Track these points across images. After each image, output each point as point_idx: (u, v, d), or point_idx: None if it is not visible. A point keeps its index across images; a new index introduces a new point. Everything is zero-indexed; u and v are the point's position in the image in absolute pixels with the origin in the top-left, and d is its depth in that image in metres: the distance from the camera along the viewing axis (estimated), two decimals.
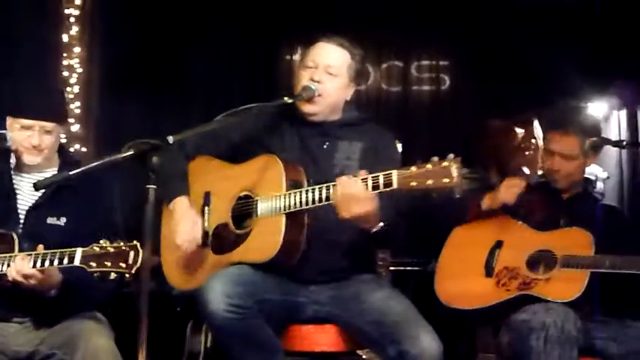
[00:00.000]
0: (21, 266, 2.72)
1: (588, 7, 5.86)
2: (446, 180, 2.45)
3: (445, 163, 2.46)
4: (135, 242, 2.55)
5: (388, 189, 2.56)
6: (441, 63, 6.40)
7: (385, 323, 2.76)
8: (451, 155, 2.48)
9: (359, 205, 2.61)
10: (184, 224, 2.91)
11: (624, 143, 3.39)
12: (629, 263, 2.99)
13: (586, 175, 3.64)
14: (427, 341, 2.68)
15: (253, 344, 2.73)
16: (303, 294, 2.94)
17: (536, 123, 5.35)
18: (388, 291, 2.92)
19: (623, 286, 3.09)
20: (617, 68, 5.46)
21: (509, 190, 3.25)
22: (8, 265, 2.79)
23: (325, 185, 2.70)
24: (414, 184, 2.50)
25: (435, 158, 2.48)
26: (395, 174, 2.54)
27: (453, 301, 3.18)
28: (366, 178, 2.59)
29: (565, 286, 3.02)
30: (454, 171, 2.44)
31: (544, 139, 3.39)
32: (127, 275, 2.58)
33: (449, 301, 3.18)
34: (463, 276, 3.25)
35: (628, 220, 3.67)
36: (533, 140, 5.41)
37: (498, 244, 3.26)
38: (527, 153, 5.37)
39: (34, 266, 2.74)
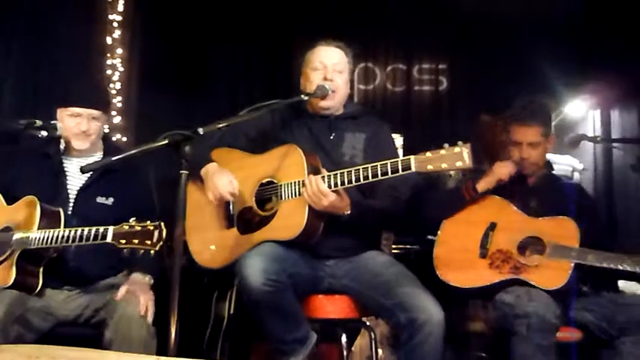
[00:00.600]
0: None
1: (573, 18, 5.82)
2: (459, 163, 2.47)
3: (457, 149, 2.48)
4: (159, 222, 2.58)
5: (407, 172, 2.56)
6: (440, 66, 6.38)
7: (396, 294, 2.77)
8: (460, 142, 2.49)
9: (325, 200, 2.65)
10: (220, 178, 2.87)
11: (599, 139, 3.36)
12: (609, 259, 2.97)
13: (562, 165, 3.62)
14: (433, 309, 2.70)
15: (283, 314, 2.74)
16: (322, 268, 2.95)
17: None
18: (397, 267, 2.93)
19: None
20: (593, 73, 5.43)
21: (503, 169, 3.22)
22: (53, 242, 2.81)
23: (346, 170, 2.69)
24: (430, 167, 2.51)
25: (446, 145, 2.50)
26: (413, 159, 2.54)
27: (452, 279, 3.14)
28: (396, 161, 2.58)
29: (551, 275, 3.00)
30: (465, 155, 2.46)
31: (510, 131, 3.33)
32: (152, 252, 2.61)
33: (448, 279, 3.14)
34: (459, 254, 3.20)
35: (589, 197, 3.60)
36: None
37: (492, 226, 3.22)
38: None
39: (67, 242, 2.77)
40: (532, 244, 3.13)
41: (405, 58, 6.37)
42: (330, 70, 2.99)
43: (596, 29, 5.63)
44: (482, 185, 3.23)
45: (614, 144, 4.61)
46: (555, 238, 3.09)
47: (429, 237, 3.38)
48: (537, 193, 3.32)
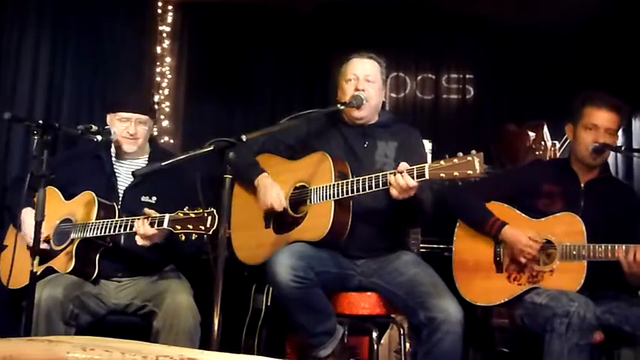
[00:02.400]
0: (144, 229, 2.77)
1: (593, 32, 5.74)
2: (469, 172, 2.44)
3: (469, 158, 2.44)
4: (212, 209, 2.58)
5: (421, 179, 2.55)
6: (467, 76, 6.32)
7: (418, 293, 2.76)
8: (473, 151, 2.46)
9: (411, 191, 2.61)
10: (271, 191, 2.90)
11: (622, 148, 3.23)
12: (620, 251, 2.86)
13: None
14: (452, 309, 2.67)
15: (312, 309, 2.74)
16: (351, 267, 2.94)
17: (545, 128, 5.29)
18: (421, 266, 2.91)
19: (609, 264, 2.93)
20: (614, 83, 5.32)
21: (527, 248, 3.00)
22: (111, 229, 2.86)
23: (367, 177, 2.69)
24: (442, 175, 2.49)
25: (460, 153, 2.47)
26: (427, 167, 2.53)
27: (477, 300, 3.09)
28: (412, 169, 2.57)
29: (568, 278, 2.92)
30: (476, 164, 2.43)
31: (583, 115, 3.08)
32: (206, 236, 2.63)
33: (471, 299, 3.08)
34: (477, 274, 3.11)
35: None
36: (542, 142, 5.36)
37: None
38: (537, 153, 5.32)
39: (125, 230, 2.82)
40: (542, 248, 3.03)
41: (434, 68, 6.33)
42: (361, 80, 2.97)
43: (616, 42, 5.52)
44: (504, 237, 3.06)
45: (635, 154, 4.48)
46: (562, 237, 2.98)
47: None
48: (589, 193, 3.12)
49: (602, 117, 3.06)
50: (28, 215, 2.94)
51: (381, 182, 2.65)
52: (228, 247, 3.05)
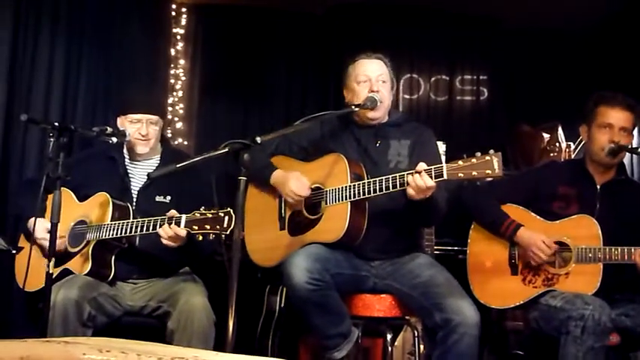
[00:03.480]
0: (175, 229, 2.75)
1: (608, 33, 5.70)
2: (488, 171, 2.43)
3: (487, 157, 2.43)
4: (228, 209, 2.58)
5: (439, 179, 2.54)
6: (481, 77, 6.30)
7: (434, 295, 2.75)
8: (492, 150, 2.45)
9: (428, 192, 2.59)
10: (293, 182, 2.89)
11: (638, 149, 3.20)
12: (636, 255, 2.84)
13: None
14: (468, 311, 2.66)
15: (327, 311, 2.74)
16: (366, 269, 2.94)
17: (560, 129, 5.27)
18: (437, 268, 2.90)
19: (624, 267, 2.91)
20: (629, 84, 5.28)
21: (539, 253, 2.99)
22: (126, 231, 2.87)
23: (384, 178, 2.68)
24: (461, 175, 2.48)
25: (479, 153, 2.46)
26: (445, 167, 2.52)
27: (493, 303, 3.07)
28: (430, 170, 2.55)
29: (584, 280, 2.90)
30: (495, 164, 2.42)
31: (597, 114, 3.06)
32: (223, 236, 2.62)
33: (486, 301, 3.06)
34: (493, 277, 3.10)
35: None
36: (557, 143, 5.33)
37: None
38: (552, 154, 5.29)
39: (154, 229, 2.81)
40: (558, 250, 3.00)
41: (448, 69, 6.31)
42: (374, 81, 2.96)
43: (632, 38, 5.48)
44: (519, 239, 3.05)
45: None
46: (578, 239, 2.96)
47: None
48: (605, 195, 3.09)
49: (616, 116, 3.04)
50: (40, 223, 2.92)
51: (398, 183, 2.64)
52: (242, 249, 3.06)
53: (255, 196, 3.09)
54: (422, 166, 2.59)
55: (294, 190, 2.87)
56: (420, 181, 2.55)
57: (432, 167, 2.56)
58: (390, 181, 2.66)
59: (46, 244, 2.75)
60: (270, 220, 3.03)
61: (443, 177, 2.52)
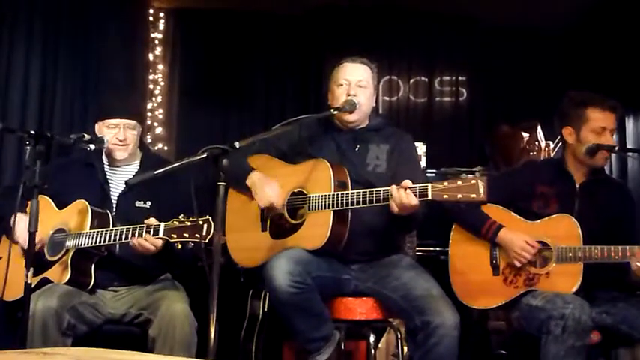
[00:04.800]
0: (150, 240, 2.74)
1: (584, 31, 5.76)
2: (473, 195, 2.44)
3: (473, 181, 2.44)
4: (207, 217, 2.56)
5: (423, 199, 2.54)
6: (460, 78, 6.34)
7: (413, 297, 2.75)
8: (477, 173, 2.46)
9: (410, 210, 2.60)
10: (268, 189, 2.89)
11: (616, 148, 3.23)
12: (615, 252, 2.87)
13: None
14: (447, 314, 2.66)
15: (309, 314, 2.74)
16: (348, 272, 2.94)
17: (539, 128, 5.31)
18: (417, 270, 2.90)
19: (605, 265, 2.92)
20: (606, 82, 5.33)
21: (523, 253, 2.99)
22: (106, 239, 2.85)
23: (368, 191, 2.69)
24: (445, 196, 2.48)
25: (464, 175, 2.46)
26: (430, 187, 2.52)
27: (475, 304, 3.09)
28: (414, 188, 2.55)
29: (564, 280, 2.92)
30: (480, 188, 2.42)
31: (585, 117, 3.06)
32: (203, 244, 2.61)
33: (468, 302, 3.07)
34: (474, 277, 3.10)
35: (632, 199, 3.31)
36: (536, 143, 5.37)
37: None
38: (531, 154, 5.33)
39: (120, 239, 2.80)
40: (539, 250, 3.01)
41: (427, 70, 6.35)
42: (353, 85, 2.96)
43: (609, 35, 5.54)
44: (500, 241, 3.06)
45: (629, 153, 4.47)
46: (558, 239, 2.97)
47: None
48: (584, 194, 3.11)
49: (608, 119, 3.08)
50: (20, 220, 2.92)
51: (382, 197, 2.64)
52: (223, 253, 3.05)
53: (237, 197, 3.07)
54: (407, 183, 2.59)
55: (269, 197, 2.87)
56: (405, 198, 2.55)
57: (417, 186, 2.55)
58: (374, 195, 2.67)
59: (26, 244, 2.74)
60: (252, 220, 3.02)
61: (427, 197, 2.52)
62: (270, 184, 2.91)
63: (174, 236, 2.66)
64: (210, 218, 2.55)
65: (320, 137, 3.04)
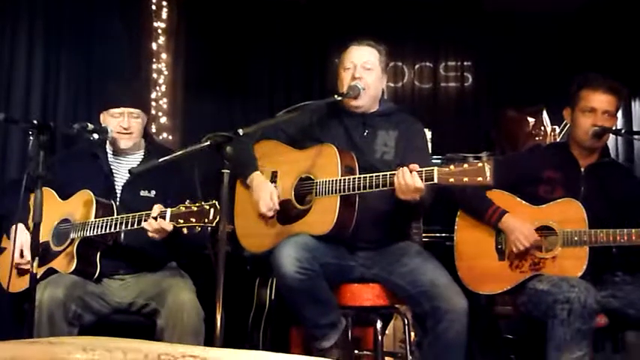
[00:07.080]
0: (160, 222, 2.73)
1: (591, 15, 5.71)
2: (480, 178, 2.41)
3: (479, 164, 2.42)
4: (214, 201, 2.56)
5: (429, 182, 2.52)
6: (465, 63, 6.30)
7: (422, 283, 2.75)
8: (484, 157, 2.44)
9: (416, 193, 2.58)
10: (264, 194, 2.91)
11: (622, 131, 3.21)
12: (620, 236, 2.87)
13: None
14: (456, 299, 2.67)
15: (316, 300, 2.74)
16: (354, 259, 2.94)
17: (545, 113, 5.28)
18: (425, 257, 2.90)
19: (612, 247, 2.95)
20: (613, 66, 5.28)
21: (523, 241, 2.99)
22: (111, 227, 2.85)
23: (374, 175, 2.67)
24: (452, 180, 2.46)
25: (471, 158, 2.45)
26: (436, 170, 2.50)
27: (481, 290, 3.09)
28: (421, 171, 2.54)
29: (570, 264, 2.92)
30: (487, 171, 2.40)
31: (580, 98, 3.06)
32: (209, 228, 2.62)
33: (474, 288, 3.07)
34: (480, 263, 3.11)
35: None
36: (542, 127, 5.34)
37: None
38: (537, 138, 5.30)
39: (139, 224, 2.79)
40: (544, 235, 3.01)
41: (432, 56, 6.31)
42: (358, 68, 2.93)
43: (616, 19, 5.48)
44: (503, 226, 3.05)
45: (636, 136, 4.46)
46: (564, 223, 2.97)
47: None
48: (590, 178, 3.11)
49: (599, 99, 3.05)
50: (19, 232, 2.92)
51: (388, 181, 2.63)
52: (229, 240, 3.06)
53: (244, 183, 3.07)
54: (415, 166, 2.57)
55: (260, 204, 2.89)
56: (410, 178, 2.53)
57: (423, 169, 2.54)
58: (381, 179, 2.65)
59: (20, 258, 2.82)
60: None
61: (433, 180, 2.50)
62: (264, 189, 2.91)
63: (181, 221, 2.66)
64: (216, 202, 2.55)
65: (330, 121, 3.03)
